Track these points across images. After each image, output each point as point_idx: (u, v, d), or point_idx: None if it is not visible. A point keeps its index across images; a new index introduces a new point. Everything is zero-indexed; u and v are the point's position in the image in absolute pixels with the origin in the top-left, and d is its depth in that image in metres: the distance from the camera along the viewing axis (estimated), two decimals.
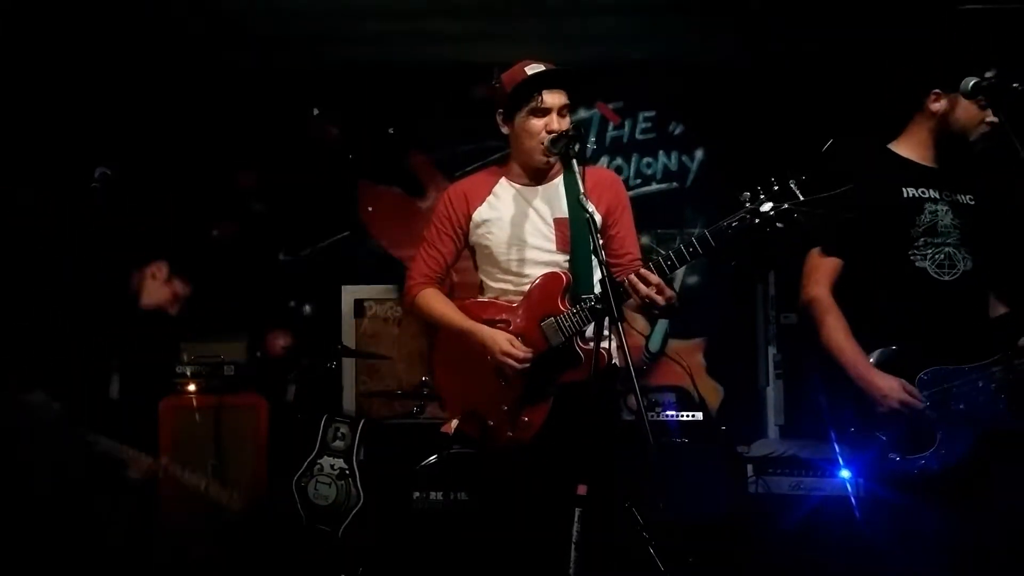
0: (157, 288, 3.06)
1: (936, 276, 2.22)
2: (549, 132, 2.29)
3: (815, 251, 2.35)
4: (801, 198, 1.95)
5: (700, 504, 3.54)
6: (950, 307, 2.21)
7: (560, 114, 2.31)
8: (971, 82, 2.12)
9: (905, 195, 2.26)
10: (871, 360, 2.22)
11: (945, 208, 2.25)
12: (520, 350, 2.25)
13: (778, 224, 1.98)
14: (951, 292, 2.21)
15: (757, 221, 1.99)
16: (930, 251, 2.23)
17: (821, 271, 2.34)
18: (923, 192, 2.26)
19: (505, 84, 2.37)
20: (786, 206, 1.96)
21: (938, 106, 2.27)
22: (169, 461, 2.93)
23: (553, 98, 2.31)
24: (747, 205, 2.01)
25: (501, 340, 2.27)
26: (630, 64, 4.64)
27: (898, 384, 2.18)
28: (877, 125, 2.44)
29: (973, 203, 2.29)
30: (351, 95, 4.83)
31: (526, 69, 2.33)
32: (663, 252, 2.13)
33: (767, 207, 1.98)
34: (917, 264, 2.23)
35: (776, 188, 1.98)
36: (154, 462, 2.88)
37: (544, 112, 2.31)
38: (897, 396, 2.17)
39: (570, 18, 4.15)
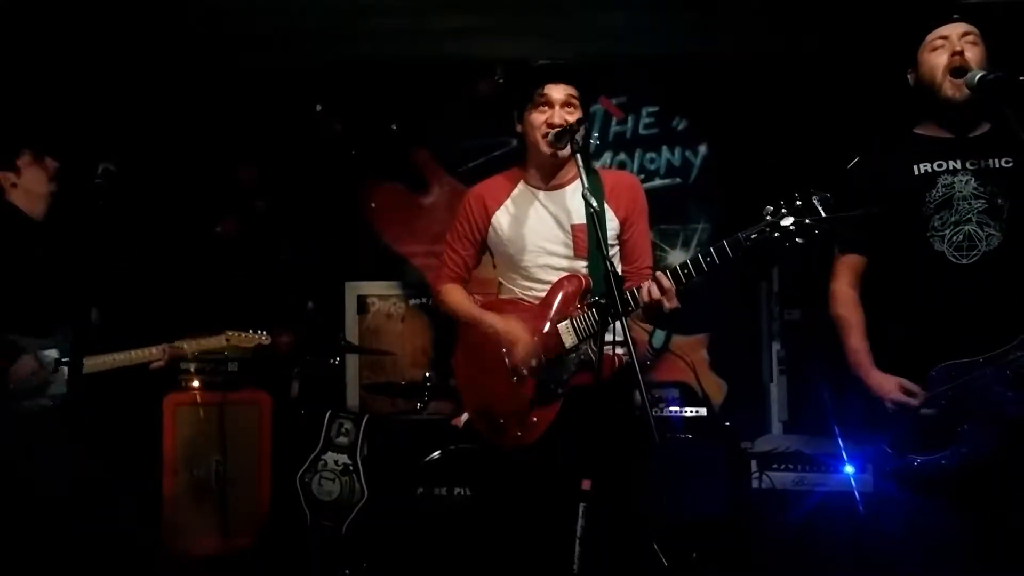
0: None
1: (954, 260, 2.15)
2: (550, 126, 2.29)
3: (836, 249, 2.36)
4: (823, 215, 1.94)
5: (703, 500, 3.54)
6: (969, 293, 2.13)
7: (564, 108, 2.31)
8: (977, 75, 2.09)
9: (916, 172, 2.22)
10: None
11: (967, 178, 2.17)
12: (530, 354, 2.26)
13: (798, 239, 1.97)
14: (970, 276, 2.14)
15: (777, 235, 1.98)
16: (948, 232, 2.16)
17: (843, 267, 2.35)
18: (939, 165, 2.20)
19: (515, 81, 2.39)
20: (807, 222, 1.95)
21: (912, 77, 2.27)
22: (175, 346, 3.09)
23: (556, 91, 2.31)
24: (768, 218, 1.99)
25: (516, 331, 2.30)
26: (633, 59, 4.63)
27: (894, 385, 2.17)
28: (878, 119, 2.43)
29: (1010, 165, 2.17)
30: (354, 91, 4.82)
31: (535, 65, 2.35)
32: (680, 261, 2.13)
33: (788, 221, 1.97)
34: (935, 248, 2.17)
35: (799, 203, 1.96)
36: (165, 347, 3.03)
37: (547, 105, 2.31)
38: (891, 397, 2.16)
39: (573, 13, 4.14)
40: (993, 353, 2.10)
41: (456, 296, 2.50)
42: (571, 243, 2.36)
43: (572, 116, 2.30)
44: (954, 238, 2.16)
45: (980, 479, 2.10)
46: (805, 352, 4.39)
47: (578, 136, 2.21)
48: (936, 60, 2.18)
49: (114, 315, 3.31)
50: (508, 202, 2.45)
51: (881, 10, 3.84)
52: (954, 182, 2.18)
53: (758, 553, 3.47)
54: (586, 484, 1.94)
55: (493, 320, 2.36)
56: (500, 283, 2.53)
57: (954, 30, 2.19)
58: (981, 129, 2.23)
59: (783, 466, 3.75)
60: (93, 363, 2.89)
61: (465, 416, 2.53)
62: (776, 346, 4.61)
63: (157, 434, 3.87)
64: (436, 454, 3.60)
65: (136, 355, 3.00)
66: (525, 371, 2.28)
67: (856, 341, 2.27)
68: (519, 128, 2.43)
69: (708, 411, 3.97)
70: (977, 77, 2.09)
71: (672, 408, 3.93)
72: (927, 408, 2.15)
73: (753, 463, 3.79)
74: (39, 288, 2.84)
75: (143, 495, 3.59)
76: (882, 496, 2.35)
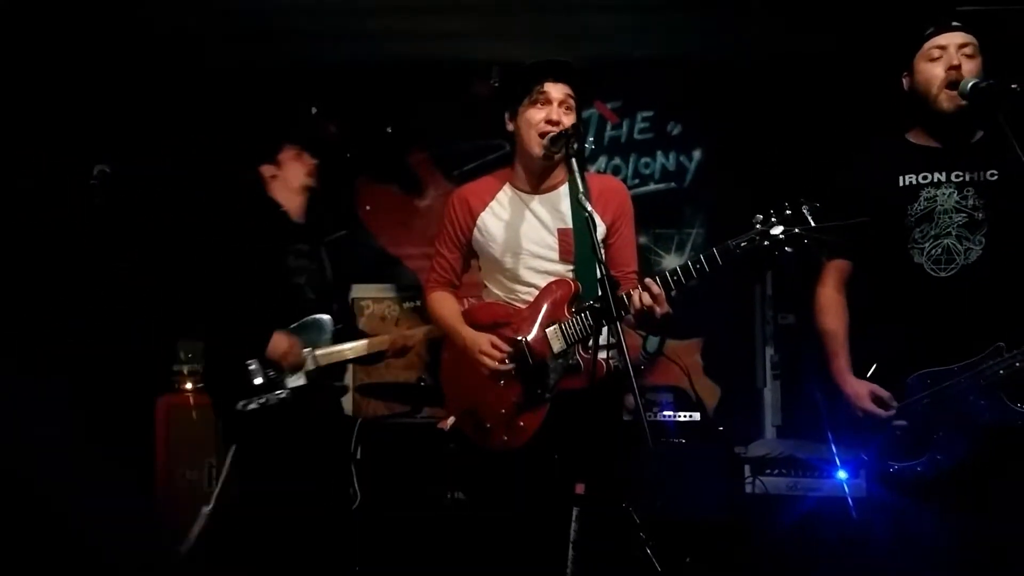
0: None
1: (932, 273, 2.17)
2: (548, 123, 2.27)
3: (824, 256, 2.37)
4: (812, 224, 1.95)
5: (697, 504, 3.54)
6: (946, 305, 2.15)
7: (562, 107, 2.29)
8: (970, 83, 2.09)
9: (901, 183, 2.22)
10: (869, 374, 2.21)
11: (950, 191, 2.17)
12: (498, 351, 2.27)
13: (787, 248, 1.99)
14: (948, 289, 2.15)
15: (766, 243, 1.99)
16: (927, 244, 2.18)
17: (829, 273, 2.37)
18: (924, 177, 2.20)
19: (512, 78, 2.38)
20: (796, 231, 1.97)
21: (907, 82, 2.25)
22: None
23: (555, 90, 2.30)
24: (758, 227, 2.01)
25: (482, 341, 2.30)
26: (629, 63, 4.64)
27: (865, 391, 2.19)
28: (874, 124, 2.44)
29: (995, 178, 2.16)
30: (349, 93, 4.82)
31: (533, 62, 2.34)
32: (670, 267, 2.14)
33: (778, 230, 1.98)
34: (915, 260, 2.19)
35: (788, 212, 1.98)
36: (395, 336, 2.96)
37: (545, 103, 2.30)
38: (860, 404, 2.19)
39: (569, 16, 4.14)
40: (967, 362, 2.12)
41: (440, 305, 2.51)
42: (556, 247, 2.36)
43: (567, 118, 2.29)
44: (933, 251, 2.18)
45: (956, 486, 2.12)
46: (799, 357, 4.39)
47: (573, 141, 2.21)
48: (933, 71, 2.16)
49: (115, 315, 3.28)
50: (494, 203, 2.44)
51: (878, 15, 3.85)
52: (936, 195, 2.18)
53: (751, 558, 3.46)
54: (579, 488, 1.95)
55: (464, 334, 2.37)
56: (485, 286, 2.52)
57: (952, 40, 2.16)
58: (971, 140, 2.23)
59: (776, 471, 3.75)
60: (328, 354, 2.85)
61: (452, 420, 2.52)
62: (770, 351, 4.61)
63: (150, 436, 3.85)
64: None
65: (372, 344, 2.90)
66: (502, 377, 2.28)
67: (838, 347, 2.29)
68: (510, 127, 2.41)
69: (702, 416, 3.97)
70: (970, 84, 2.09)
71: (666, 412, 3.93)
72: (899, 419, 2.17)
73: (746, 468, 3.79)
74: (284, 291, 2.82)
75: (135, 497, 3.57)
76: (875, 501, 2.36)
